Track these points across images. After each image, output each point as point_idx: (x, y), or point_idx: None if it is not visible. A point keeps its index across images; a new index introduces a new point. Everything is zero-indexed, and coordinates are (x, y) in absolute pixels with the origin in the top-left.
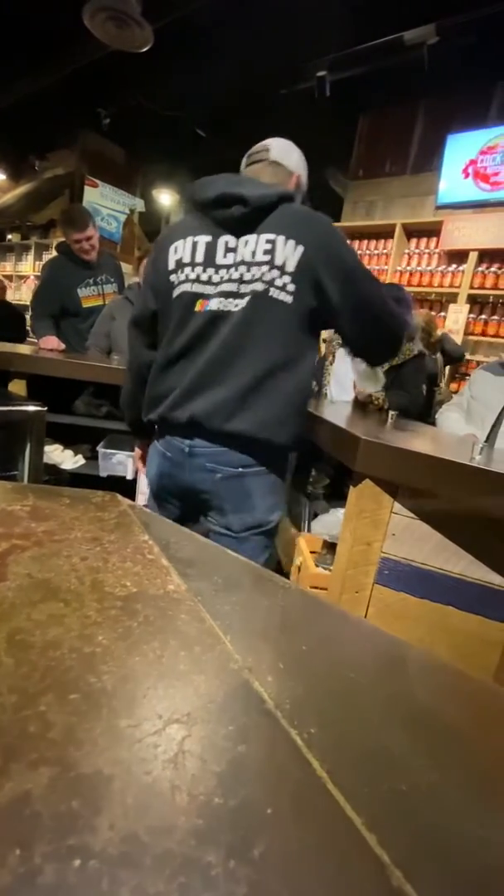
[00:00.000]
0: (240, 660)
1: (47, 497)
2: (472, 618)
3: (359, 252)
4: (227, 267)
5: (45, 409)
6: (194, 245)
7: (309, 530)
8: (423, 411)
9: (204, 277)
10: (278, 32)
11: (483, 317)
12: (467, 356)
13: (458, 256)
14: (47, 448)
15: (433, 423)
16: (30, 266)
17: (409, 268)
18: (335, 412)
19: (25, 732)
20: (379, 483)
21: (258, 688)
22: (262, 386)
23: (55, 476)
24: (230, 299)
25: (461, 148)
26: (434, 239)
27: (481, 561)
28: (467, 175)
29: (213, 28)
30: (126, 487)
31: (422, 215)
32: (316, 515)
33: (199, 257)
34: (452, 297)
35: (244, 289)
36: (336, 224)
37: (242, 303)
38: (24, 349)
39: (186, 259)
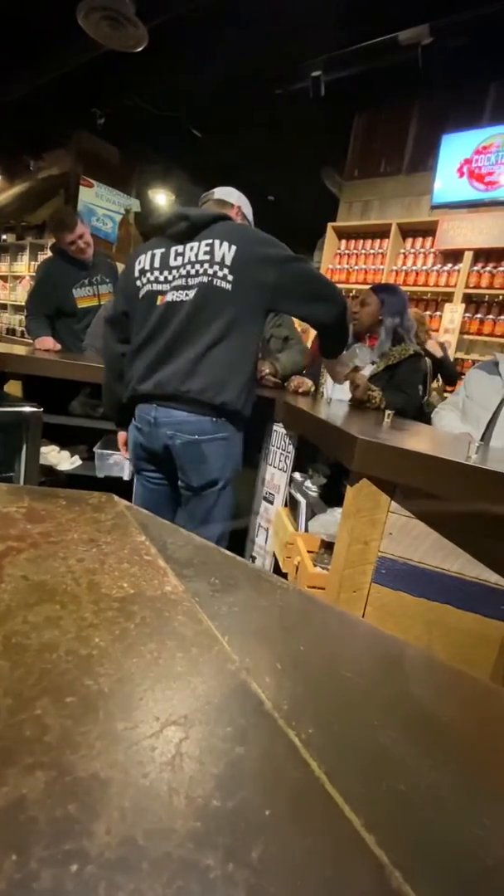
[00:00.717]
0: (237, 661)
1: (43, 498)
2: (469, 616)
3: (354, 252)
4: (177, 267)
5: (41, 409)
6: (152, 256)
7: (306, 530)
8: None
9: (161, 278)
10: (273, 32)
11: (478, 316)
12: (462, 355)
13: (454, 256)
14: (43, 449)
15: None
16: (25, 266)
17: (404, 267)
18: (332, 412)
19: (21, 736)
20: (376, 482)
21: (256, 689)
22: (207, 355)
23: (51, 477)
24: (181, 291)
25: (456, 148)
26: (429, 238)
27: (478, 559)
28: (462, 175)
29: (207, 28)
30: (123, 488)
31: (417, 215)
32: (313, 515)
33: (157, 263)
34: (448, 297)
35: (192, 281)
36: (332, 224)
37: (192, 293)
38: (20, 350)
39: (147, 267)
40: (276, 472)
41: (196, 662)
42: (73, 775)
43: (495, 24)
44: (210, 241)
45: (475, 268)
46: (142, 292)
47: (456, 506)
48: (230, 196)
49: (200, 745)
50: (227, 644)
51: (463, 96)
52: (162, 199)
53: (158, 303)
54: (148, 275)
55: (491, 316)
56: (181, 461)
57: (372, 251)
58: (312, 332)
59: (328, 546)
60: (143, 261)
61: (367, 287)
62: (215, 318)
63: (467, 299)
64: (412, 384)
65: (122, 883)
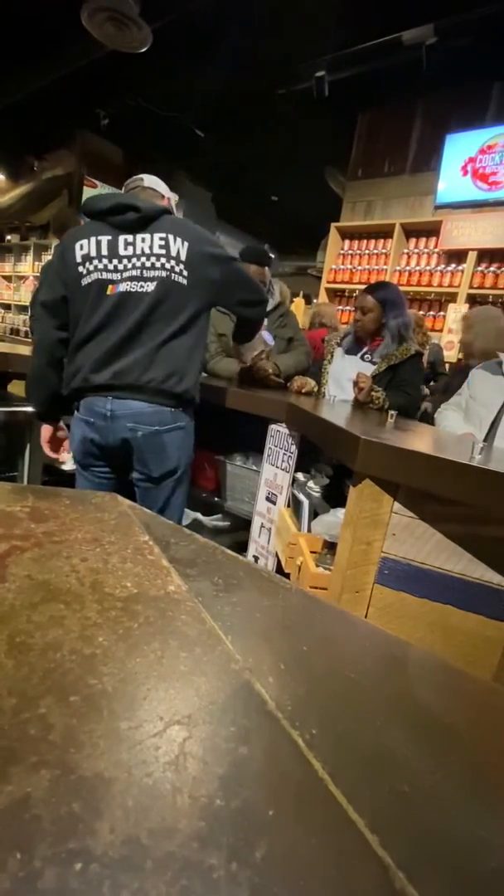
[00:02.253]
0: (241, 661)
1: (47, 498)
2: (472, 617)
3: (357, 252)
4: (129, 257)
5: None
6: (98, 242)
7: (309, 530)
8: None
9: (110, 267)
10: (277, 32)
11: None
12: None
13: (458, 256)
14: None
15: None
16: (29, 266)
17: (408, 268)
18: (334, 412)
19: (25, 735)
20: (379, 483)
21: (259, 689)
22: (165, 346)
23: (55, 477)
24: (136, 282)
25: (459, 148)
26: (433, 239)
27: (481, 560)
28: (466, 175)
29: (211, 28)
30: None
31: (421, 215)
32: (316, 515)
33: (104, 251)
34: (452, 297)
35: (148, 273)
36: (335, 224)
37: (151, 286)
38: (23, 350)
39: (93, 253)
40: (279, 473)
41: (199, 662)
42: (77, 774)
43: (499, 23)
44: (163, 234)
45: (479, 268)
46: (86, 279)
47: (459, 506)
48: (159, 186)
49: (204, 744)
50: (230, 644)
51: (467, 96)
52: None
53: (109, 292)
54: (95, 262)
55: None
56: (142, 453)
57: (375, 251)
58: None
59: (331, 546)
60: (86, 246)
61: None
62: (177, 312)
63: (471, 299)
64: (414, 384)
65: (125, 882)
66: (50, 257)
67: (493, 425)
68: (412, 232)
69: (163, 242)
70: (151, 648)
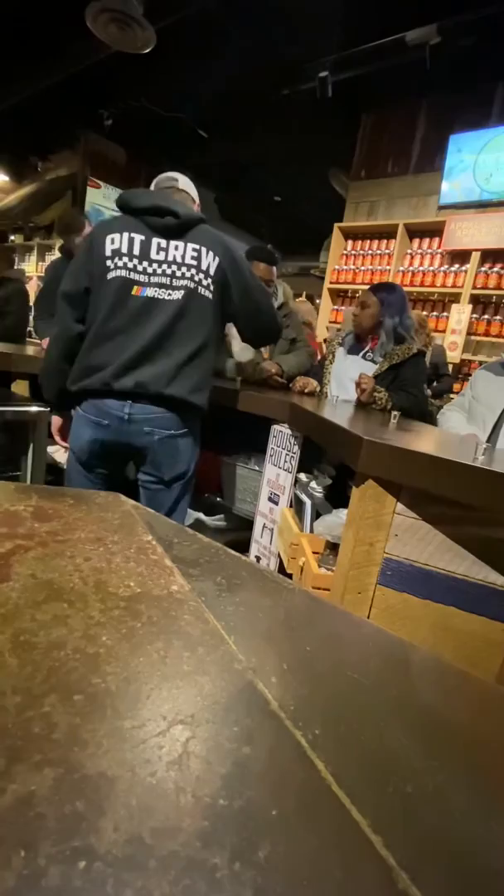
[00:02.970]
0: (244, 661)
1: (51, 497)
2: (475, 618)
3: (361, 252)
4: (160, 262)
5: (48, 409)
6: (130, 240)
7: (311, 531)
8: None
9: (139, 268)
10: (280, 33)
11: (486, 317)
12: (469, 356)
13: (461, 256)
14: (50, 448)
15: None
16: (33, 267)
17: (411, 268)
18: (337, 412)
19: (30, 733)
20: (382, 483)
21: (262, 689)
22: (191, 361)
23: (58, 476)
24: (164, 290)
25: (463, 148)
26: (437, 239)
27: (484, 561)
28: (470, 175)
29: (214, 28)
30: (129, 487)
31: (424, 215)
32: (318, 516)
33: (136, 250)
34: (455, 298)
35: (176, 283)
36: (338, 224)
37: (177, 294)
38: (26, 350)
39: (124, 250)
40: (281, 473)
41: (202, 662)
42: (80, 772)
43: (503, 23)
44: (197, 246)
45: (482, 268)
46: (112, 274)
47: (462, 508)
48: (191, 189)
49: (207, 744)
50: (233, 644)
51: (470, 96)
52: None
53: (134, 293)
54: (124, 259)
55: (498, 317)
56: (156, 456)
57: (378, 252)
58: (319, 334)
59: (333, 547)
60: (118, 241)
61: (367, 287)
62: (200, 325)
63: (474, 300)
64: (417, 384)
65: (129, 880)
66: (54, 257)
67: (497, 426)
68: (415, 232)
69: (195, 254)
70: (155, 648)
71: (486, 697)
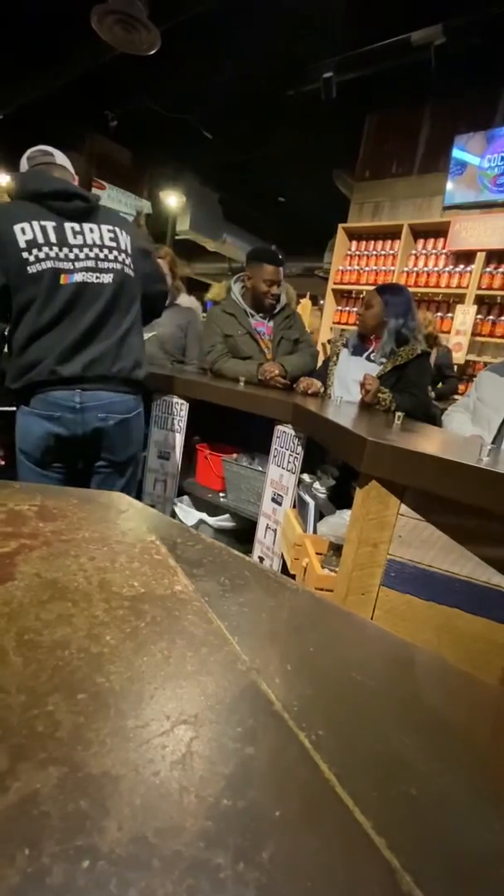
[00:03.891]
0: (247, 661)
1: (55, 497)
2: (479, 620)
3: (365, 253)
4: (80, 247)
5: None
6: (43, 228)
7: (314, 531)
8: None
9: (62, 255)
10: (284, 34)
11: (491, 318)
12: (474, 357)
13: (466, 257)
14: None
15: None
16: None
17: (416, 268)
18: (341, 413)
19: (34, 732)
20: (386, 484)
21: (266, 689)
22: (127, 338)
23: None
24: (91, 273)
25: (468, 148)
26: (441, 240)
27: (488, 563)
28: (475, 176)
29: (219, 30)
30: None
31: (429, 216)
32: (322, 516)
33: (52, 238)
34: (460, 298)
35: (104, 265)
36: (342, 225)
37: (107, 277)
38: None
39: (41, 239)
40: (285, 473)
41: (206, 662)
42: (84, 771)
43: None
44: (111, 227)
45: (487, 269)
46: (35, 267)
47: (467, 509)
48: (69, 165)
49: (211, 744)
50: (236, 644)
51: (475, 96)
52: (173, 200)
53: (62, 282)
54: (45, 249)
55: None
56: (111, 440)
57: (383, 252)
58: (322, 335)
59: (336, 548)
60: (30, 231)
61: (372, 288)
62: (131, 303)
63: (479, 301)
64: (421, 385)
65: (133, 880)
66: None
67: (502, 427)
68: (420, 233)
69: (112, 235)
70: (158, 648)
71: (490, 700)
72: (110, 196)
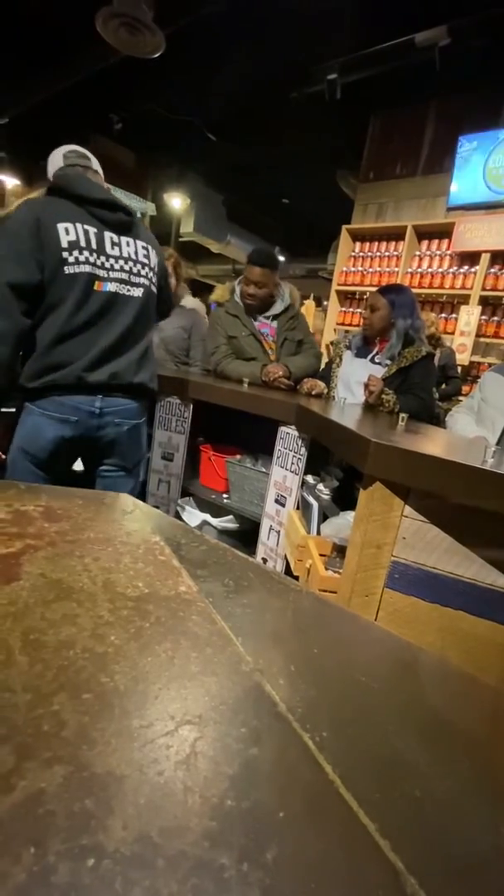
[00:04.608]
0: (251, 662)
1: (60, 497)
2: (483, 623)
3: (369, 254)
4: (116, 258)
5: None
6: (86, 232)
7: (318, 533)
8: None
9: (98, 262)
10: (288, 36)
11: (495, 318)
12: (479, 358)
13: (470, 258)
14: None
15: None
16: None
17: (420, 269)
18: (344, 414)
19: (39, 731)
20: (390, 486)
21: (270, 690)
22: (147, 352)
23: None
24: (124, 285)
25: (473, 149)
26: (446, 240)
27: (493, 565)
28: (479, 176)
29: (223, 32)
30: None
31: (433, 217)
32: (325, 518)
33: (93, 244)
34: (464, 299)
35: (135, 279)
36: (346, 226)
37: (137, 291)
38: None
39: (82, 243)
40: (288, 475)
41: (210, 662)
42: (89, 771)
43: None
44: (145, 244)
45: (492, 270)
46: (73, 268)
47: (471, 511)
48: (101, 169)
49: (215, 744)
50: (240, 645)
51: (480, 97)
52: (177, 202)
53: (96, 287)
54: (85, 254)
55: None
56: (123, 446)
57: (387, 253)
58: (326, 336)
59: (340, 550)
60: (73, 232)
61: (375, 290)
62: (151, 319)
63: (484, 301)
64: (425, 387)
65: (137, 879)
66: None
67: None
68: (424, 234)
69: (145, 252)
70: (163, 648)
71: (495, 702)
72: None
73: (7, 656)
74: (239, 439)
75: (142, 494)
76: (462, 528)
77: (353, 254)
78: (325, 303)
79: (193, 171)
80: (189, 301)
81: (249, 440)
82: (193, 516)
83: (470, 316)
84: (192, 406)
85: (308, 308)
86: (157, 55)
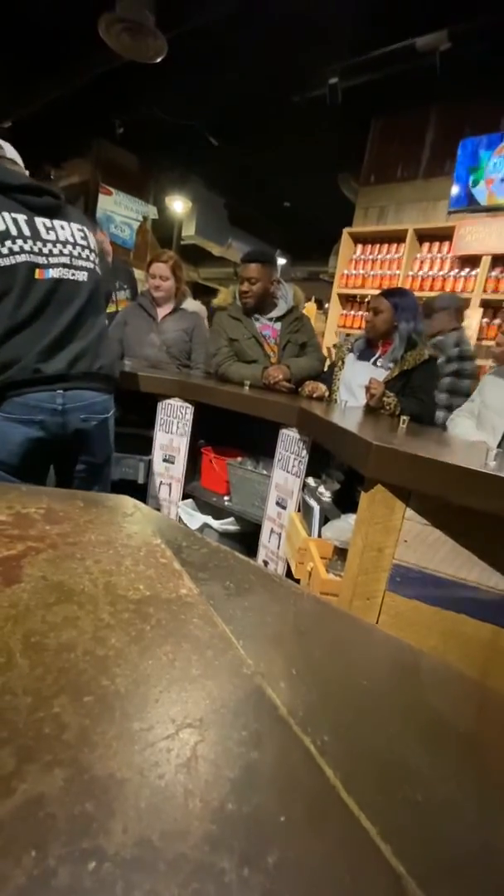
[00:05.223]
0: (252, 665)
1: (61, 500)
2: (486, 626)
3: (370, 257)
4: (52, 242)
5: None
6: (15, 220)
7: (319, 535)
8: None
9: (35, 249)
10: (290, 40)
11: (497, 321)
12: (480, 361)
13: (471, 261)
14: None
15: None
16: None
17: (420, 273)
18: (346, 417)
19: (40, 734)
20: (391, 489)
21: (271, 694)
22: (103, 336)
23: None
24: (67, 269)
25: (474, 152)
26: (446, 243)
27: (495, 568)
28: (480, 180)
29: (225, 36)
30: (137, 491)
31: (434, 220)
32: (326, 520)
33: (26, 231)
34: (465, 303)
35: (77, 262)
36: (347, 229)
37: (81, 275)
38: None
39: (13, 231)
40: (289, 477)
41: (211, 666)
42: (90, 774)
43: None
44: (80, 226)
45: (493, 273)
46: (9, 259)
47: (473, 514)
48: (18, 158)
49: (215, 748)
50: (241, 648)
51: (481, 101)
52: (179, 205)
53: (38, 276)
54: (19, 242)
55: None
56: (92, 442)
57: (388, 256)
58: (327, 339)
59: (341, 552)
60: (1, 223)
61: (378, 293)
62: (101, 302)
63: (485, 305)
64: (428, 390)
65: (138, 882)
66: None
67: None
68: (425, 237)
69: (82, 234)
70: (163, 651)
71: (495, 705)
72: (117, 201)
73: (8, 659)
74: (240, 442)
75: (143, 496)
76: (464, 530)
77: (354, 257)
78: (326, 305)
79: (196, 174)
80: (190, 304)
81: (251, 443)
82: (194, 518)
83: (471, 319)
84: (193, 408)
85: (309, 310)
86: (159, 59)
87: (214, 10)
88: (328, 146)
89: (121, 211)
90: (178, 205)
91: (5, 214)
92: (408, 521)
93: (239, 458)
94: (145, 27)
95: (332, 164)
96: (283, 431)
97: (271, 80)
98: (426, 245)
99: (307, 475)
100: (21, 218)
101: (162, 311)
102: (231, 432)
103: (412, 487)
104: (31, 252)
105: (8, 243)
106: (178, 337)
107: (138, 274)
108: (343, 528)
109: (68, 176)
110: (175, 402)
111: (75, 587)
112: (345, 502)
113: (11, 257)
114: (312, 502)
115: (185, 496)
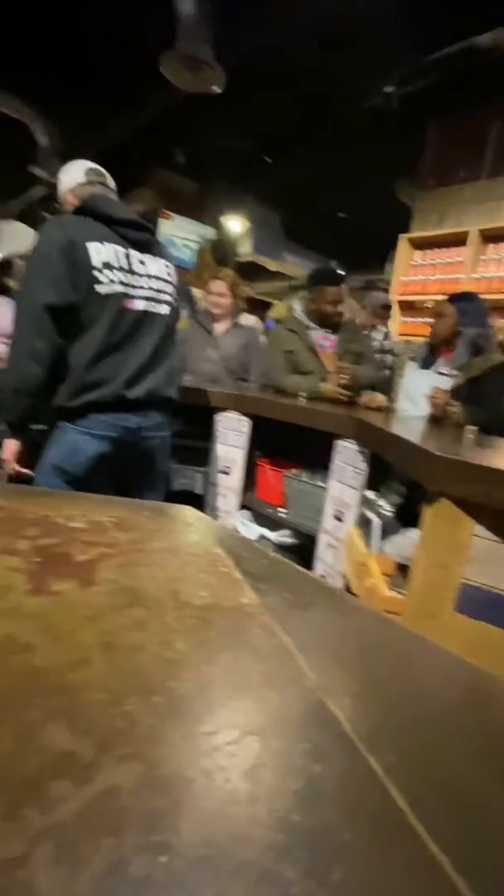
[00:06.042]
0: (314, 679)
1: (130, 509)
2: None
3: (430, 262)
4: (142, 276)
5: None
6: (115, 252)
7: (378, 550)
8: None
9: (126, 281)
10: (344, 51)
11: None
12: None
13: None
14: None
15: None
16: None
17: (486, 274)
18: (409, 428)
19: (114, 728)
20: (457, 503)
21: (333, 709)
22: (174, 369)
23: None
24: (152, 303)
25: None
26: None
27: None
28: None
29: (280, 58)
30: (195, 500)
31: (499, 220)
32: (386, 535)
33: (123, 263)
34: None
35: (161, 297)
36: (405, 235)
37: (164, 309)
38: None
39: (114, 263)
40: (346, 490)
41: (272, 676)
42: (160, 770)
43: None
44: (167, 263)
45: None
46: (106, 288)
47: None
48: (114, 187)
49: (278, 758)
50: (303, 661)
51: None
52: (235, 225)
53: (128, 306)
54: (117, 272)
55: None
56: (156, 460)
57: (449, 260)
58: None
59: (402, 569)
60: (104, 252)
61: (443, 298)
62: (175, 335)
63: None
64: (497, 398)
65: (207, 881)
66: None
67: None
68: (490, 237)
69: (168, 271)
70: (226, 658)
71: None
72: (177, 224)
73: (87, 657)
74: (296, 454)
75: (200, 507)
76: None
77: (413, 263)
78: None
79: (251, 193)
80: (246, 319)
81: (308, 454)
82: (251, 530)
83: None
84: (250, 421)
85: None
86: (219, 91)
87: (269, 36)
88: (383, 153)
89: (181, 234)
90: (235, 224)
91: (109, 245)
92: (476, 537)
93: (294, 470)
94: (205, 61)
95: (386, 172)
96: (339, 443)
97: (324, 94)
98: (491, 245)
99: (367, 488)
100: (121, 250)
101: (219, 328)
102: (287, 444)
103: (481, 501)
104: (122, 283)
105: (108, 273)
106: (235, 352)
107: (196, 292)
108: (405, 543)
109: (131, 203)
110: (232, 415)
111: (144, 592)
112: (406, 516)
113: (110, 286)
114: (371, 516)
115: (241, 507)
